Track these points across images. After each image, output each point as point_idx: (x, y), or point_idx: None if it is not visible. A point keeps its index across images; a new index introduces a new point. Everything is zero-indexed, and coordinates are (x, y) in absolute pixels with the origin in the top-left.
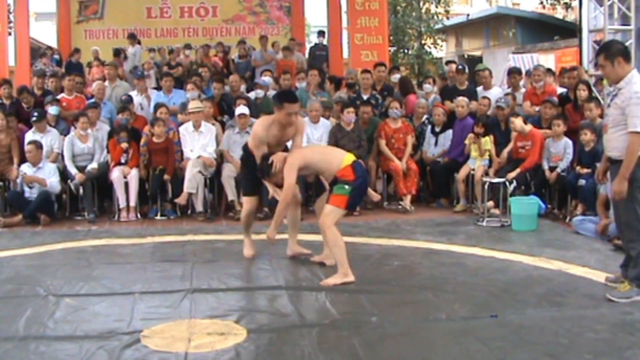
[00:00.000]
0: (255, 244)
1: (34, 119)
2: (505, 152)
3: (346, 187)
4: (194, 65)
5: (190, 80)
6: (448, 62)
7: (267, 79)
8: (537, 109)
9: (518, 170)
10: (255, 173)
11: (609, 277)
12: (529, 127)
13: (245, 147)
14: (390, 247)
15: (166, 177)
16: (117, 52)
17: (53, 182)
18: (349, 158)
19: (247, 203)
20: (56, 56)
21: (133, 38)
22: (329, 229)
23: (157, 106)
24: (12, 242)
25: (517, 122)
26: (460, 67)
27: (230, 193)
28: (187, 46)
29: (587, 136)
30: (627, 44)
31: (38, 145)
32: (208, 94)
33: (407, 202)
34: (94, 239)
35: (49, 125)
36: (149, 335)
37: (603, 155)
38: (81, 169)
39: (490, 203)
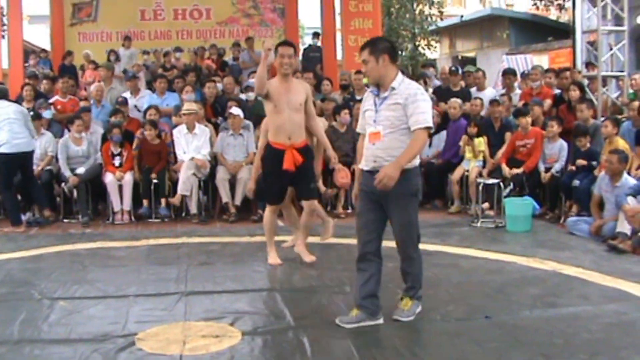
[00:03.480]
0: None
1: None
2: (499, 153)
3: None
4: (187, 70)
5: (176, 82)
6: (424, 65)
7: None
8: None
9: (520, 170)
10: (282, 177)
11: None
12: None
13: (269, 147)
14: (384, 249)
15: (152, 175)
16: (110, 56)
17: None
18: None
19: (272, 212)
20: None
21: (129, 40)
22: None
23: (148, 108)
24: (6, 245)
25: (524, 120)
26: (453, 68)
27: (225, 195)
28: (177, 49)
29: (581, 142)
30: (620, 44)
31: None
32: (197, 97)
33: None
34: (88, 241)
35: (42, 128)
36: (144, 338)
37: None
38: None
39: (486, 204)
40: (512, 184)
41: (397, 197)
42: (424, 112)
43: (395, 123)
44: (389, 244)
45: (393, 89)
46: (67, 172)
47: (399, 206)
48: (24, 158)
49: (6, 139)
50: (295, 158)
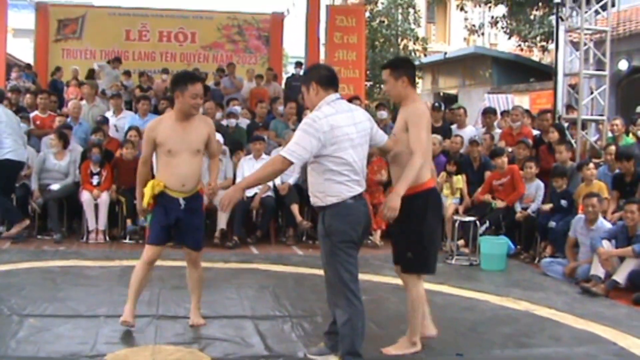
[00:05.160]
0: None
1: None
2: (479, 191)
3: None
4: (167, 92)
5: (162, 103)
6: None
7: (237, 108)
8: (510, 149)
9: (504, 203)
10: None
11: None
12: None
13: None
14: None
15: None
16: (92, 73)
17: None
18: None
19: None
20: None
21: (119, 62)
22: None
23: (129, 129)
24: None
25: (499, 160)
26: (436, 104)
27: None
28: (165, 71)
29: (558, 183)
30: (601, 89)
31: None
32: None
33: (377, 237)
34: (61, 259)
35: None
36: (113, 359)
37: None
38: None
39: (461, 242)
40: (488, 222)
41: (320, 237)
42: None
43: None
44: (362, 277)
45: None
46: (34, 185)
47: (322, 247)
48: (21, 168)
49: (13, 146)
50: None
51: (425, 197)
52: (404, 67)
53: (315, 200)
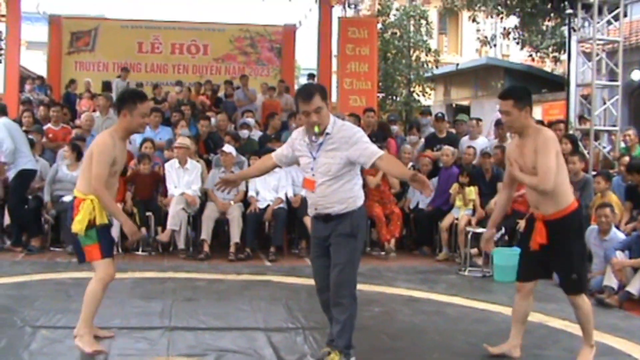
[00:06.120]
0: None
1: None
2: (492, 202)
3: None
4: (180, 104)
5: (174, 116)
6: (422, 112)
7: (250, 120)
8: None
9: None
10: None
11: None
12: None
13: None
14: (371, 293)
15: (148, 213)
16: (107, 85)
17: None
18: None
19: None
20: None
21: (127, 72)
22: None
23: (143, 141)
24: None
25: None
26: (439, 115)
27: (205, 233)
28: (179, 83)
29: None
30: (613, 99)
31: None
32: (192, 132)
33: (391, 245)
34: (74, 271)
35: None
36: None
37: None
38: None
39: (475, 250)
40: (503, 229)
41: (336, 237)
42: (370, 144)
43: (333, 170)
44: (375, 289)
45: (328, 134)
46: (46, 197)
47: (337, 245)
48: (33, 179)
49: (30, 156)
50: None
51: (578, 216)
52: (527, 98)
53: (342, 207)
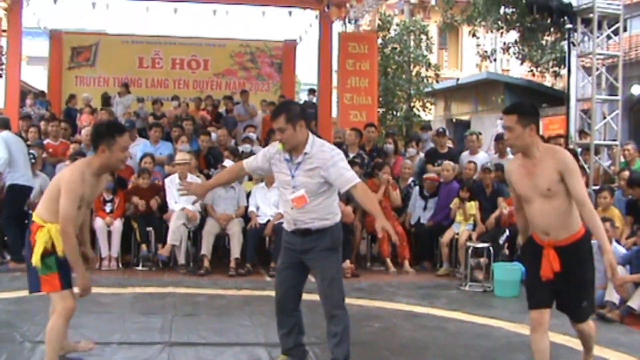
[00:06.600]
0: None
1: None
2: (492, 217)
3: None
4: (178, 120)
5: (174, 131)
6: (422, 127)
7: (253, 134)
8: None
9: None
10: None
11: None
12: None
13: None
14: (371, 309)
15: (149, 228)
16: (106, 100)
17: None
18: None
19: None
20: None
21: (127, 88)
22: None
23: (144, 156)
24: None
25: None
26: (441, 130)
27: (205, 248)
28: (175, 98)
29: None
30: (613, 114)
31: None
32: (193, 147)
33: (406, 267)
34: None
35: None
36: None
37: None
38: None
39: (481, 260)
40: (508, 231)
41: (318, 252)
42: (348, 170)
43: (312, 189)
44: (375, 304)
45: (306, 154)
46: None
47: (321, 260)
48: (28, 195)
49: (23, 171)
50: None
51: (588, 240)
52: (533, 115)
53: (323, 222)
